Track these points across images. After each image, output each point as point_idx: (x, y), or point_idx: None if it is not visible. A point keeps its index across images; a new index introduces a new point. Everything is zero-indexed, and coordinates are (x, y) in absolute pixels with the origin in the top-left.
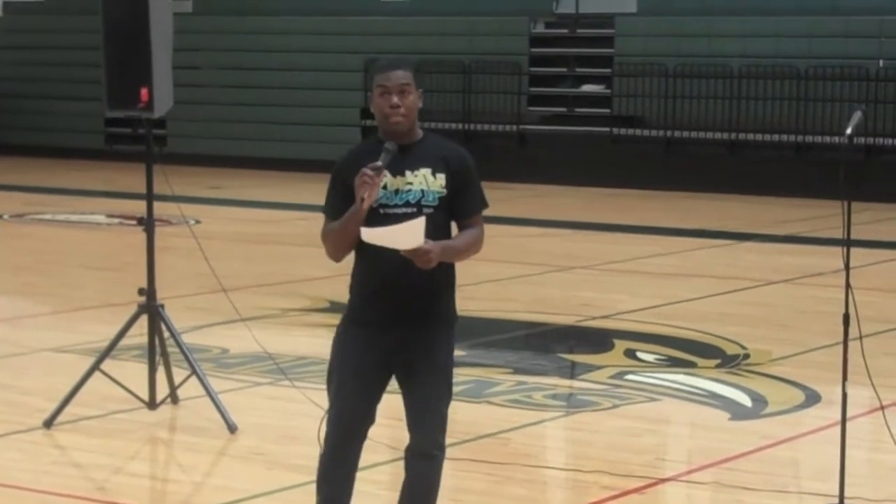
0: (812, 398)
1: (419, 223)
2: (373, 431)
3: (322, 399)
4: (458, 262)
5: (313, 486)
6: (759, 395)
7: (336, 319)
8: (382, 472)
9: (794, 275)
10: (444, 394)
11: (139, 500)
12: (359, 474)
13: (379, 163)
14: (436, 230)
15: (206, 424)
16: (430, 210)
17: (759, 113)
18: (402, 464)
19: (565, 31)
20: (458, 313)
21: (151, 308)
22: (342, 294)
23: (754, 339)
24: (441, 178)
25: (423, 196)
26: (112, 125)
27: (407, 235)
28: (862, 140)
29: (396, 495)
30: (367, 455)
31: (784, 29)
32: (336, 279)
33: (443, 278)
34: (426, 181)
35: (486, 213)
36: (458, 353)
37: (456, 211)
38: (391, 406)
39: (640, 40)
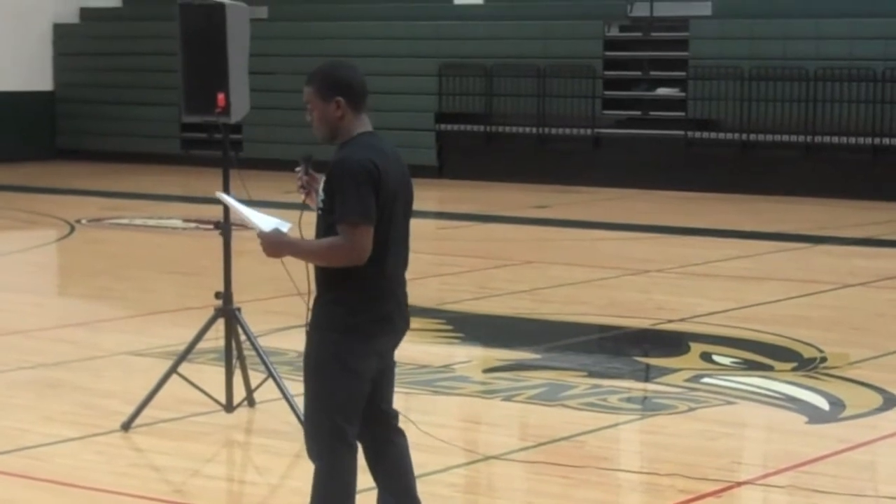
0: (890, 402)
1: (235, 203)
2: (446, 434)
3: (398, 402)
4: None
5: None
6: (836, 399)
7: (420, 323)
8: (457, 475)
9: (870, 278)
10: (309, 396)
11: (216, 503)
12: (433, 477)
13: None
14: (321, 233)
15: (283, 427)
16: (320, 212)
17: (836, 115)
18: (478, 467)
19: (639, 34)
20: (533, 316)
21: (228, 311)
22: (426, 297)
23: (831, 342)
24: (323, 183)
25: (319, 199)
26: (188, 130)
27: (245, 215)
28: None
29: (472, 498)
30: (441, 458)
31: (859, 31)
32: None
33: (320, 280)
34: (322, 186)
35: (556, 216)
36: (532, 356)
37: None
38: (464, 409)
39: (714, 43)
